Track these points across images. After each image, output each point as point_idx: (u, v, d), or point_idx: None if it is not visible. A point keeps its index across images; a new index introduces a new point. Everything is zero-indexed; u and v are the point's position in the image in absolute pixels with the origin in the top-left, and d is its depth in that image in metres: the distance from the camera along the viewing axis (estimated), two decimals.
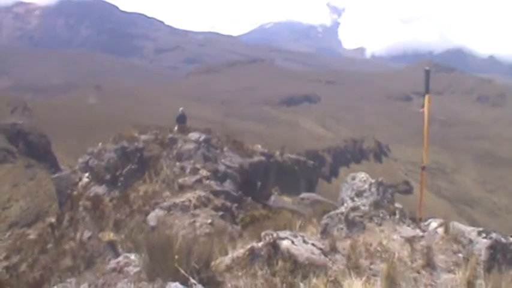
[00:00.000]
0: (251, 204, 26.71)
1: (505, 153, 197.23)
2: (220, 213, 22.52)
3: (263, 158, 34.83)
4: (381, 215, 8.71)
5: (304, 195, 34.22)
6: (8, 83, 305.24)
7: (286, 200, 32.09)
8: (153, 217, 22.05)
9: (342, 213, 8.54)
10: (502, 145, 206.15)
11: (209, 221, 21.05)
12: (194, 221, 20.98)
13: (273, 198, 31.30)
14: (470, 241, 7.46)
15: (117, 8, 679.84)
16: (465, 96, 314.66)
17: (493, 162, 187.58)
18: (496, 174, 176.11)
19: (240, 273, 6.27)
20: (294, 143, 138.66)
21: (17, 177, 57.51)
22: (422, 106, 9.54)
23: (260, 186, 32.82)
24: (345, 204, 9.47)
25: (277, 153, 41.69)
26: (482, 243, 7.26)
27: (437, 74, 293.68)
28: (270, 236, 6.66)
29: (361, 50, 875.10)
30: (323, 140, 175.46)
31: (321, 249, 6.87)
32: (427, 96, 9.44)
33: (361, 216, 8.52)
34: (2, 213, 49.92)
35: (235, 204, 24.84)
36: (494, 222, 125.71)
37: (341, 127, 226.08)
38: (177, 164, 28.62)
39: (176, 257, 5.77)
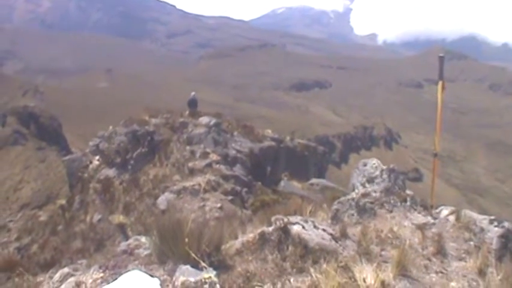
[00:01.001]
0: (261, 189, 26.77)
1: None
2: (230, 197, 22.56)
3: (273, 143, 34.82)
4: (392, 201, 8.68)
5: (313, 181, 34.23)
6: (20, 66, 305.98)
7: (296, 185, 32.12)
8: (162, 200, 22.12)
9: (352, 199, 8.51)
10: None
11: (219, 205, 21.09)
12: (204, 205, 21.03)
13: (282, 183, 31.33)
14: (482, 229, 7.42)
15: None
16: (477, 84, 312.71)
17: (504, 151, 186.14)
18: (507, 163, 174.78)
19: (250, 258, 6.26)
20: (304, 128, 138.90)
21: (28, 160, 57.86)
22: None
23: (270, 171, 32.87)
24: (356, 190, 9.43)
25: (288, 138, 41.68)
26: (494, 232, 7.22)
27: (450, 62, 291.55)
28: (281, 221, 6.64)
29: (373, 36, 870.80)
30: (333, 126, 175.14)
31: (331, 234, 6.84)
32: (440, 83, 9.35)
33: (372, 203, 8.49)
34: (13, 194, 50.29)
35: (245, 189, 24.90)
36: (505, 212, 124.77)
37: (352, 113, 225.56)
38: (187, 148, 28.66)
39: (187, 240, 5.77)
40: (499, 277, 6.07)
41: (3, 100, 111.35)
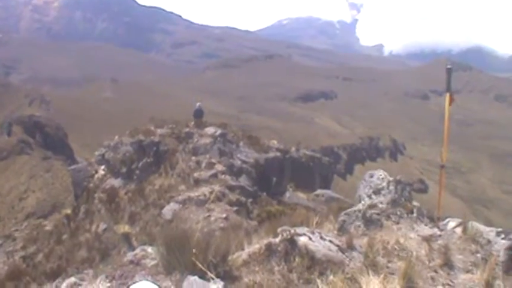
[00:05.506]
0: (266, 200, 26.72)
1: None
2: (235, 208, 22.51)
3: (279, 154, 34.74)
4: (399, 213, 8.66)
5: (319, 191, 34.21)
6: (26, 75, 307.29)
7: (301, 196, 32.08)
8: (168, 211, 22.12)
9: (359, 211, 8.49)
10: None
11: (224, 215, 21.04)
12: (209, 216, 20.98)
13: (287, 194, 31.30)
14: (489, 241, 7.37)
15: (135, 1, 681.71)
16: (483, 95, 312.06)
17: (510, 162, 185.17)
18: None
19: (256, 269, 6.26)
20: (309, 139, 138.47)
21: (33, 169, 58.02)
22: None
23: (275, 181, 32.77)
24: (363, 202, 9.42)
25: (293, 149, 41.66)
26: (501, 244, 7.17)
27: (455, 73, 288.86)
28: (288, 232, 6.64)
29: (379, 47, 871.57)
30: (339, 137, 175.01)
31: (338, 246, 6.83)
32: (447, 95, 9.31)
33: (378, 214, 8.48)
34: (19, 204, 50.41)
35: (250, 200, 24.85)
36: (511, 223, 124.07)
37: (357, 124, 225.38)
38: (193, 158, 28.69)
39: (194, 250, 5.77)
40: None
41: (10, 109, 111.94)
